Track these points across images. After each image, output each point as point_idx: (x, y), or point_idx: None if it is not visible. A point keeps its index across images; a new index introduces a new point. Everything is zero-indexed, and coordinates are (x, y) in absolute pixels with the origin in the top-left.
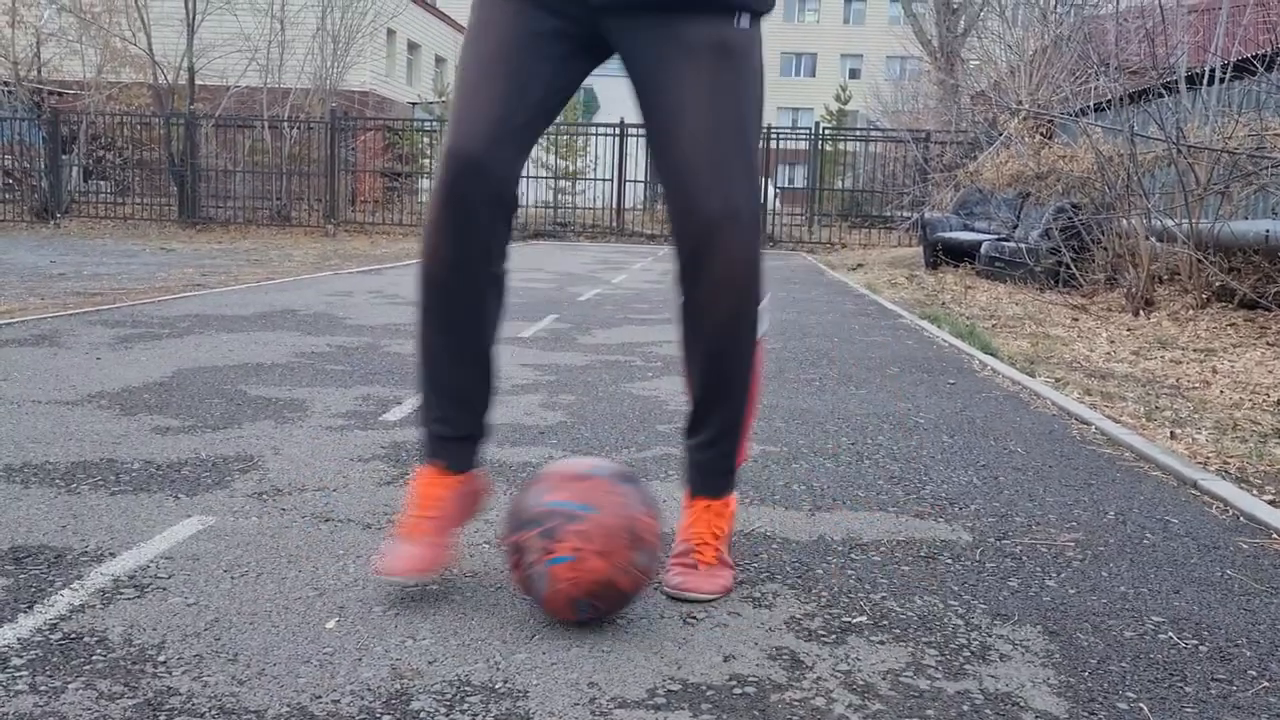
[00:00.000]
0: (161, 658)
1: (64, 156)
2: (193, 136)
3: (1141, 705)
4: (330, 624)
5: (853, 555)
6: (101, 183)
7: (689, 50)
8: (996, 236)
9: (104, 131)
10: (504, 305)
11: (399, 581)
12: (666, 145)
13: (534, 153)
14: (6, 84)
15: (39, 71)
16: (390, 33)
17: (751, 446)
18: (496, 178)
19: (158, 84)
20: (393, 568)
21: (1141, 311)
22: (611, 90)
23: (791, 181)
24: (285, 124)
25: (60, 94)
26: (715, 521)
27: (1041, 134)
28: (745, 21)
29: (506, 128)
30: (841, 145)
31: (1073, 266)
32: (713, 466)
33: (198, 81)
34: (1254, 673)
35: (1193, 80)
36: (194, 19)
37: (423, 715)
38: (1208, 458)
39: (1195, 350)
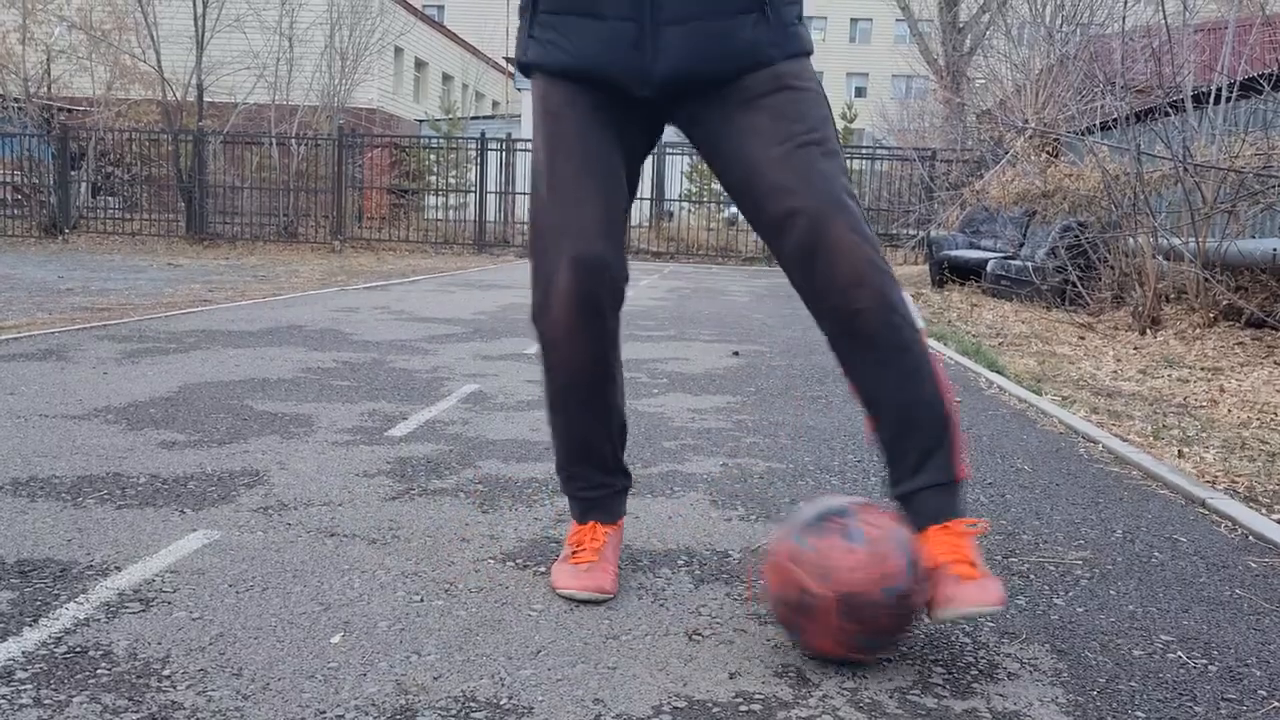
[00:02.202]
0: (166, 672)
1: (73, 172)
2: (201, 153)
3: None
4: (335, 639)
5: None
6: (110, 199)
7: (750, 96)
8: (1003, 255)
9: (113, 148)
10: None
11: (583, 598)
12: (754, 182)
13: None
14: (17, 100)
15: (49, 88)
16: (398, 50)
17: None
18: (615, 274)
19: (166, 101)
20: (581, 585)
21: (1148, 330)
22: None
23: None
24: (293, 141)
25: (70, 110)
26: (956, 542)
27: (1048, 152)
28: (797, 55)
29: (611, 224)
30: (847, 163)
31: (1079, 285)
32: (930, 488)
33: (206, 98)
34: (1264, 693)
35: (1199, 99)
36: (203, 37)
37: None
38: (1216, 476)
39: (1202, 369)
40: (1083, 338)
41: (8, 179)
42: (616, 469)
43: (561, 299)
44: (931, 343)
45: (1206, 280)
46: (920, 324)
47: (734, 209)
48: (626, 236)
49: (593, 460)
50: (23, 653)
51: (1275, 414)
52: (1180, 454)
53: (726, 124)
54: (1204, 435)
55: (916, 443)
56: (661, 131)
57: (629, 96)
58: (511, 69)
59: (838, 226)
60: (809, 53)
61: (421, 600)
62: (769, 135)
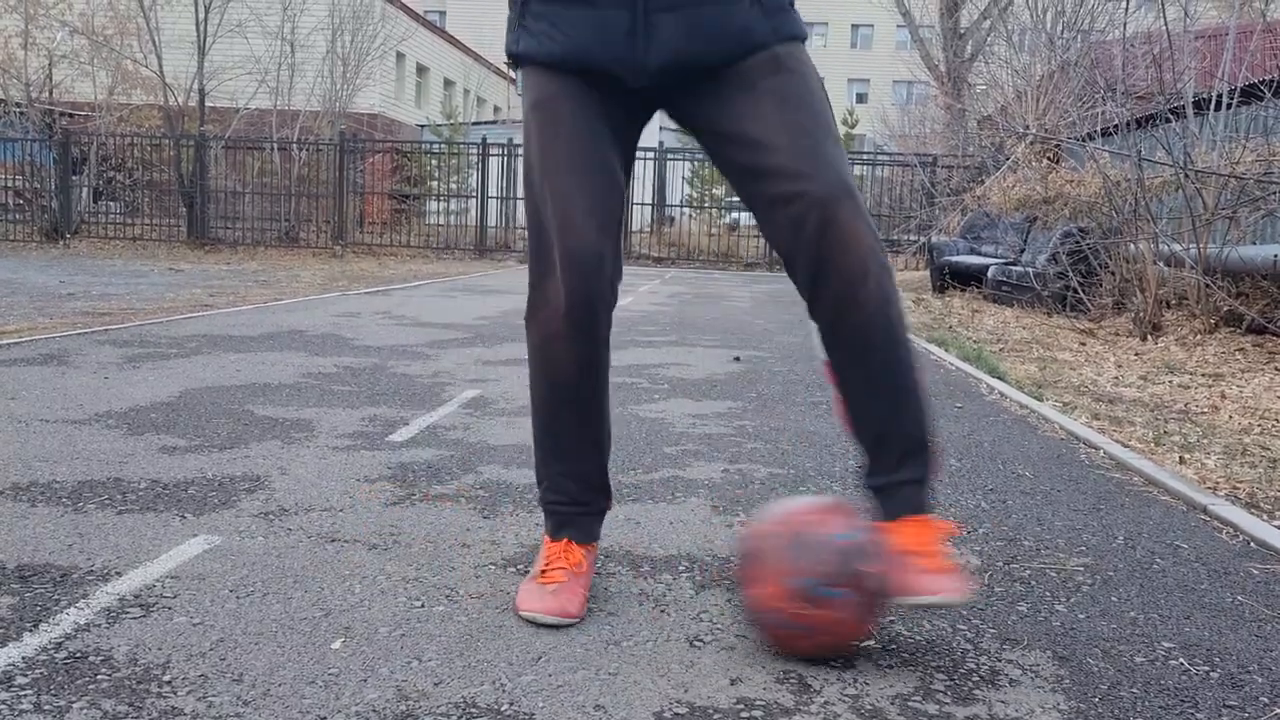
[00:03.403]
0: (167, 677)
1: (74, 177)
2: (202, 158)
3: None
4: (336, 644)
5: None
6: (111, 203)
7: (749, 80)
8: (1004, 260)
9: (114, 153)
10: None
11: (547, 621)
12: (760, 166)
13: None
14: (18, 105)
15: (50, 93)
16: (399, 56)
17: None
18: (610, 270)
19: (168, 106)
20: (544, 608)
21: (1149, 336)
22: None
23: None
24: (294, 146)
25: (71, 115)
26: (929, 533)
27: (1049, 158)
28: (792, 39)
29: (606, 218)
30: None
31: (1080, 291)
32: (908, 482)
33: (208, 103)
34: (1265, 699)
35: (1200, 105)
36: (205, 42)
37: None
38: (1217, 482)
39: (1204, 375)
40: (1084, 344)
41: (9, 184)
42: (601, 486)
43: (556, 296)
44: (933, 348)
45: (1207, 286)
46: (908, 323)
47: (735, 215)
48: (625, 237)
49: (578, 471)
50: (23, 658)
51: (1276, 420)
52: (1181, 460)
53: (727, 108)
54: (1205, 441)
55: (902, 437)
56: (650, 117)
57: (622, 87)
58: (513, 74)
59: (846, 213)
60: (804, 37)
61: (422, 606)
62: (773, 118)
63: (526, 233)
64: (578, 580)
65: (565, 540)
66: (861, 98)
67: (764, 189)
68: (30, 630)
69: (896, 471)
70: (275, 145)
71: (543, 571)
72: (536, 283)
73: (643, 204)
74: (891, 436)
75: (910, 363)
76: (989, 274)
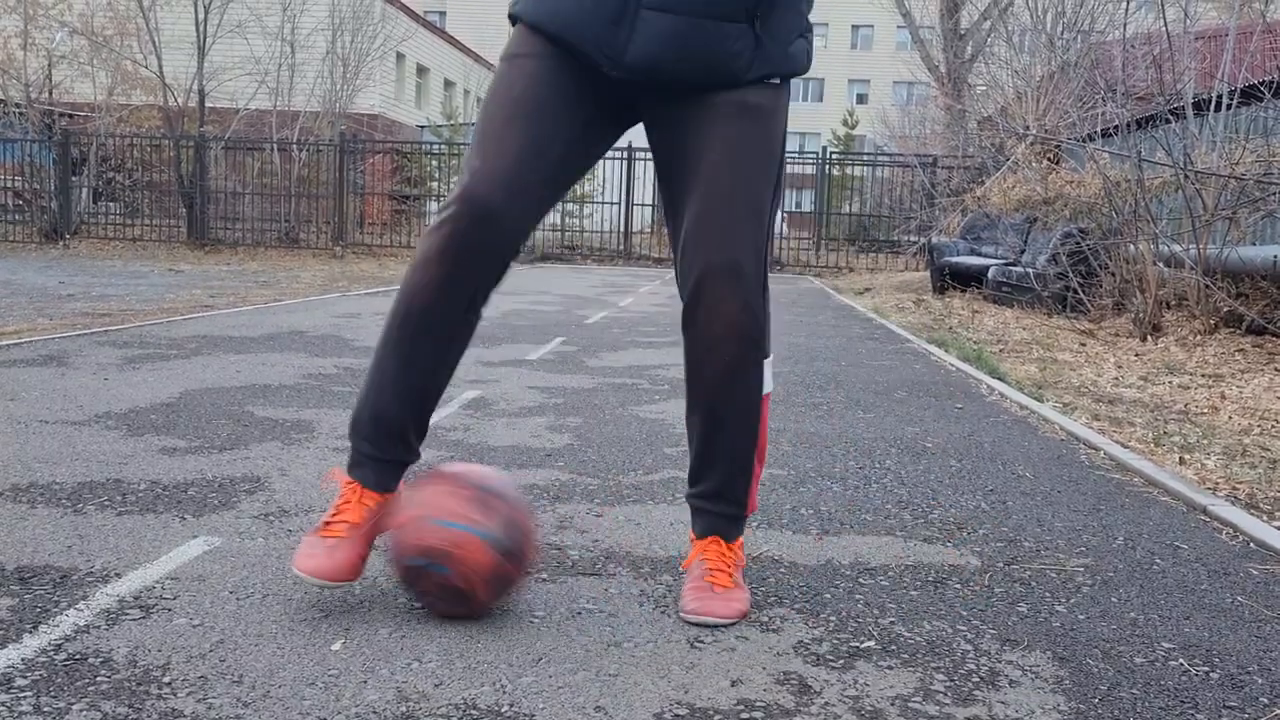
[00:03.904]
0: (166, 679)
1: (74, 178)
2: (202, 158)
3: None
4: (336, 646)
5: (861, 580)
6: (111, 204)
7: (717, 113)
8: (1004, 261)
9: (114, 153)
10: (465, 348)
11: (319, 584)
12: (680, 198)
13: None
14: (18, 106)
15: (50, 93)
16: (399, 56)
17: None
18: (505, 230)
19: (168, 106)
20: (317, 569)
21: (1149, 337)
22: None
23: (799, 205)
24: (294, 146)
25: (71, 116)
26: (726, 554)
27: (1049, 159)
28: (775, 79)
29: (524, 182)
30: (849, 170)
31: (1080, 291)
32: (720, 515)
33: (208, 104)
34: (1265, 700)
35: (1200, 106)
36: (205, 42)
37: None
38: (1217, 483)
39: (1203, 376)
40: (1084, 344)
41: (9, 184)
42: (402, 437)
43: (443, 227)
44: (933, 349)
45: (1207, 287)
46: (770, 387)
47: None
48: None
49: (385, 410)
50: (22, 660)
51: (1276, 421)
52: (1181, 461)
53: (681, 139)
54: (1205, 442)
55: (726, 473)
56: (631, 120)
57: (603, 75)
58: None
59: (723, 292)
60: (795, 73)
61: (423, 607)
62: (708, 174)
63: None
64: (360, 535)
65: (355, 483)
66: (862, 98)
67: (676, 226)
68: (30, 632)
69: (714, 500)
70: (275, 146)
71: (326, 523)
72: (441, 210)
73: (643, 205)
74: (718, 469)
75: (753, 422)
76: (989, 275)
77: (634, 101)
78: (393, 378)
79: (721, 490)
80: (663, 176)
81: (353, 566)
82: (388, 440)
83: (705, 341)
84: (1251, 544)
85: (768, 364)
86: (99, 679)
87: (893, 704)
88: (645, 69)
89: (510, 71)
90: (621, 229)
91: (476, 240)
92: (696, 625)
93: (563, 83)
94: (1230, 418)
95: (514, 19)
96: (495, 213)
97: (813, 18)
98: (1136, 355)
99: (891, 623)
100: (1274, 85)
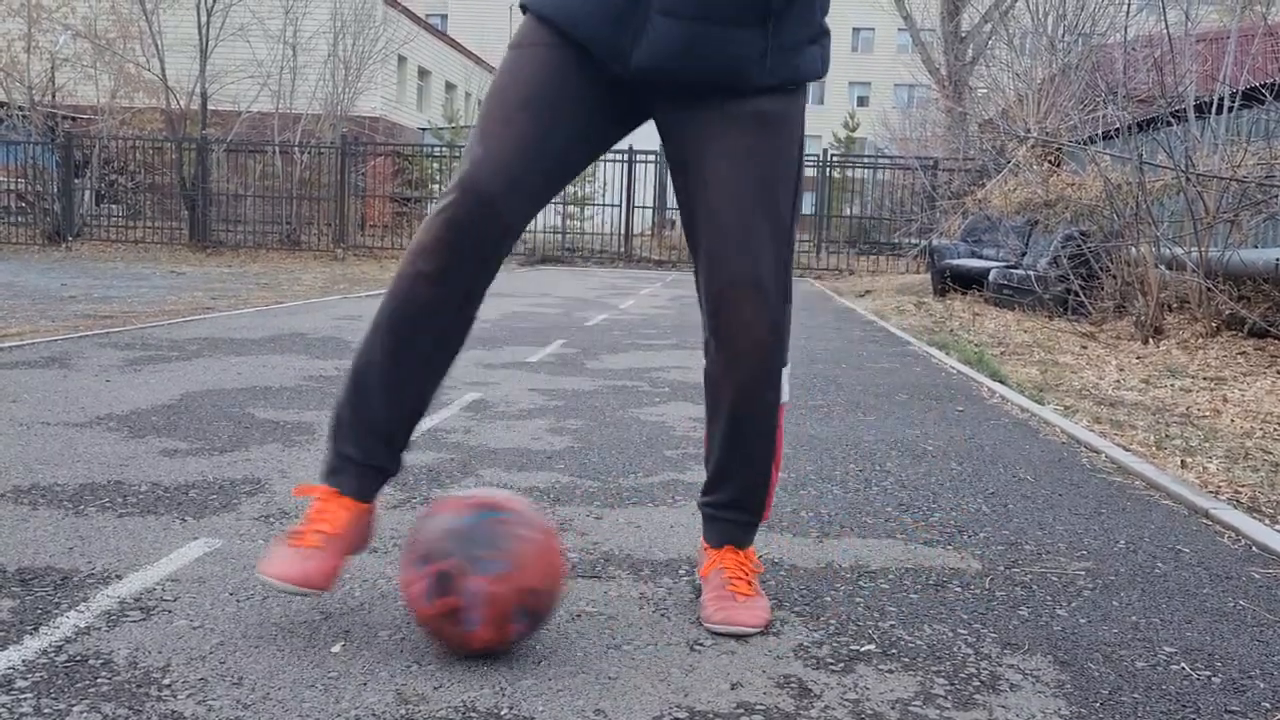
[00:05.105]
0: (166, 681)
1: (76, 180)
2: (204, 161)
3: None
4: (336, 648)
5: (861, 583)
6: (113, 206)
7: (732, 123)
8: (1005, 264)
9: (116, 156)
10: (459, 350)
11: (286, 589)
12: (699, 211)
13: None
14: (21, 108)
15: (53, 96)
16: (401, 59)
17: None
18: (504, 223)
19: (170, 109)
20: (286, 574)
21: (1151, 339)
22: None
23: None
24: (296, 149)
25: (74, 118)
26: (744, 562)
27: (1050, 162)
28: (791, 85)
29: (525, 174)
30: (849, 172)
31: (1081, 294)
32: (736, 523)
33: (210, 106)
34: (1268, 705)
35: (1201, 109)
36: (207, 45)
37: None
38: (1219, 487)
39: (1205, 379)
40: (1085, 347)
41: (12, 187)
42: (387, 441)
43: (441, 214)
44: (934, 352)
45: (1209, 290)
46: (787, 396)
47: None
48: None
49: (368, 413)
50: (23, 661)
51: (1278, 424)
52: (1183, 464)
53: (703, 137)
54: (1207, 445)
55: (746, 482)
56: (640, 119)
57: (611, 72)
58: None
59: (744, 304)
60: (809, 79)
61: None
62: (728, 185)
63: None
64: (335, 548)
65: (333, 490)
66: (863, 101)
67: (695, 238)
68: (30, 633)
69: (728, 509)
70: (277, 148)
71: (299, 533)
72: (440, 198)
73: (644, 207)
74: (736, 480)
75: (772, 433)
76: (990, 277)
77: (644, 105)
78: (381, 375)
79: (739, 499)
80: (679, 187)
81: (324, 577)
82: (373, 442)
83: (727, 356)
84: (1254, 548)
85: (786, 372)
86: (99, 680)
87: (893, 708)
88: (650, 72)
89: (517, 60)
90: (622, 231)
91: (475, 229)
92: (723, 635)
93: (569, 76)
94: (1232, 421)
95: (524, 7)
96: (495, 202)
97: None
98: (1138, 358)
99: (892, 626)
100: (1275, 88)
